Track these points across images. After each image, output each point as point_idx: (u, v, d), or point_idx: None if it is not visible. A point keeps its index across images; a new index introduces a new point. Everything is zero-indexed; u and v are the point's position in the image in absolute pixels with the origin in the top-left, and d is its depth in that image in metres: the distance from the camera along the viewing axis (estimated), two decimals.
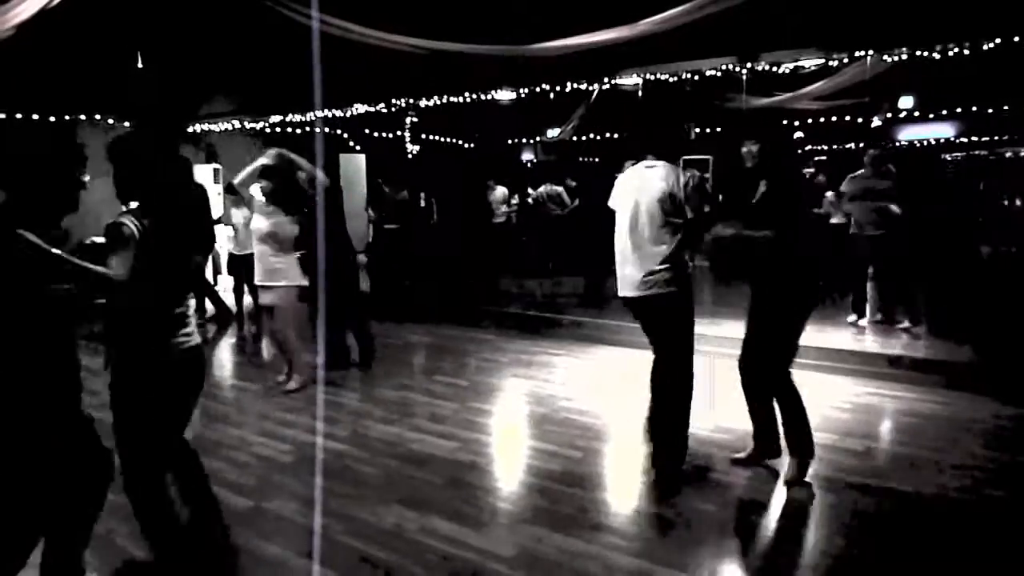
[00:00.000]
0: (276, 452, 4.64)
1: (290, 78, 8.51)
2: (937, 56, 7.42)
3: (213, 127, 12.83)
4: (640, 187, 4.17)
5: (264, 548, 3.37)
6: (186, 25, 9.68)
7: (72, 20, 7.30)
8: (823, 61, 8.34)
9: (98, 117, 11.45)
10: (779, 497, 3.97)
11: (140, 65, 10.43)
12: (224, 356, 7.82)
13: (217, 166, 11.82)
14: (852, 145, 14.62)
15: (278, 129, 13.46)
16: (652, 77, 9.41)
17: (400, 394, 5.98)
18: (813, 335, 7.13)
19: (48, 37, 7.53)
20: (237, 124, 12.98)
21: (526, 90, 10.31)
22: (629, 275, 4.19)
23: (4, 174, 2.41)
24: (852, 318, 7.66)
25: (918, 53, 7.50)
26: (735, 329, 7.43)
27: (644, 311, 4.27)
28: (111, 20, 9.13)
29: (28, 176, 2.41)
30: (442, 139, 17.07)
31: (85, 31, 8.91)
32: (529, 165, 18.17)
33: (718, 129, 13.90)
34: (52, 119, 10.89)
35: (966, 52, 7.22)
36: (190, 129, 12.59)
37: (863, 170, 7.52)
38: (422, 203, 12.10)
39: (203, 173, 10.59)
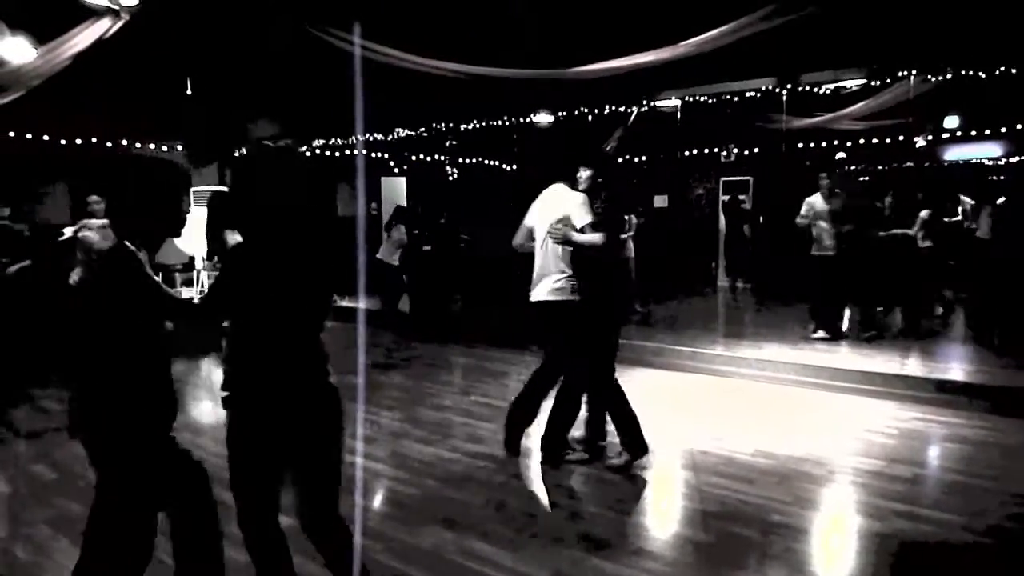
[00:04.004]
0: None
1: (333, 103, 8.71)
2: (983, 75, 7.30)
3: None
4: None
5: (305, 566, 3.39)
6: (233, 53, 9.98)
7: (126, 50, 7.58)
8: (865, 81, 8.26)
9: (152, 145, 11.84)
10: (821, 524, 3.91)
11: (189, 92, 10.77)
12: None
13: None
14: (895, 165, 14.38)
15: (318, 152, 13.74)
16: (691, 98, 9.41)
17: (439, 415, 6.01)
18: (855, 358, 7.06)
19: (103, 66, 7.83)
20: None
21: (564, 113, 10.38)
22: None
23: (123, 202, 2.55)
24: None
25: (963, 72, 7.39)
26: (776, 352, 7.39)
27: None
28: (162, 49, 9.46)
29: (144, 204, 2.56)
30: (483, 162, 17.24)
31: (138, 60, 9.24)
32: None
33: (757, 150, 13.82)
34: (109, 145, 11.30)
35: (1013, 71, 7.09)
36: (237, 153, 12.93)
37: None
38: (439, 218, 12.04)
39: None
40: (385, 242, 10.66)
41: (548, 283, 4.65)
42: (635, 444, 4.64)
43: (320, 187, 2.59)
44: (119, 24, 6.84)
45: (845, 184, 8.08)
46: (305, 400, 2.49)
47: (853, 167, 13.76)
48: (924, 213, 9.08)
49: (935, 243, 8.72)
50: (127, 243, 2.41)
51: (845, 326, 8.32)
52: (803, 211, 8.07)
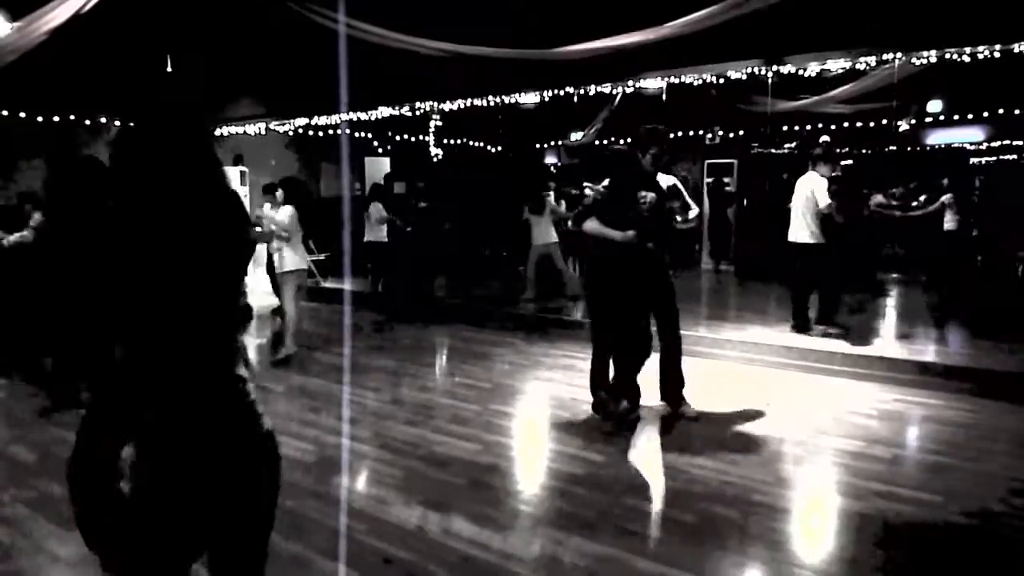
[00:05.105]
0: (299, 452, 4.68)
1: (316, 81, 8.61)
2: (967, 59, 7.32)
3: (240, 129, 12.98)
4: None
5: (287, 547, 3.39)
6: (214, 29, 9.83)
7: (104, 25, 7.43)
8: (850, 64, 8.25)
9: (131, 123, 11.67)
10: (801, 503, 3.95)
11: (170, 69, 10.61)
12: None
13: (243, 168, 12.01)
14: (878, 148, 14.47)
15: (302, 131, 13.61)
16: (676, 80, 9.37)
17: (423, 396, 6.01)
18: (837, 341, 7.11)
19: (81, 42, 7.68)
20: (263, 127, 13.10)
21: (550, 93, 10.32)
22: None
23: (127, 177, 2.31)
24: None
25: (947, 56, 7.40)
26: (759, 335, 7.42)
27: None
28: (142, 25, 9.30)
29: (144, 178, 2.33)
30: (467, 142, 17.15)
31: (117, 36, 9.09)
32: (553, 169, 18.17)
33: (742, 133, 13.82)
34: (88, 123, 11.13)
35: (996, 54, 7.10)
36: (218, 132, 12.77)
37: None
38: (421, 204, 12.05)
39: (230, 175, 10.77)
40: (367, 224, 10.62)
41: None
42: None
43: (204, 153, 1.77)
44: None
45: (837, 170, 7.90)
46: (208, 431, 1.75)
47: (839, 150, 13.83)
48: (946, 197, 9.18)
49: (964, 223, 8.81)
50: None
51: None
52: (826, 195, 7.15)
